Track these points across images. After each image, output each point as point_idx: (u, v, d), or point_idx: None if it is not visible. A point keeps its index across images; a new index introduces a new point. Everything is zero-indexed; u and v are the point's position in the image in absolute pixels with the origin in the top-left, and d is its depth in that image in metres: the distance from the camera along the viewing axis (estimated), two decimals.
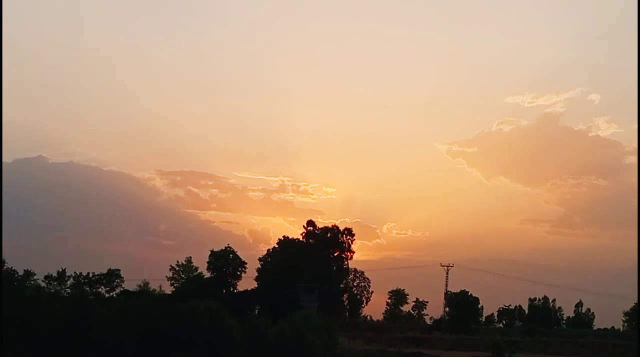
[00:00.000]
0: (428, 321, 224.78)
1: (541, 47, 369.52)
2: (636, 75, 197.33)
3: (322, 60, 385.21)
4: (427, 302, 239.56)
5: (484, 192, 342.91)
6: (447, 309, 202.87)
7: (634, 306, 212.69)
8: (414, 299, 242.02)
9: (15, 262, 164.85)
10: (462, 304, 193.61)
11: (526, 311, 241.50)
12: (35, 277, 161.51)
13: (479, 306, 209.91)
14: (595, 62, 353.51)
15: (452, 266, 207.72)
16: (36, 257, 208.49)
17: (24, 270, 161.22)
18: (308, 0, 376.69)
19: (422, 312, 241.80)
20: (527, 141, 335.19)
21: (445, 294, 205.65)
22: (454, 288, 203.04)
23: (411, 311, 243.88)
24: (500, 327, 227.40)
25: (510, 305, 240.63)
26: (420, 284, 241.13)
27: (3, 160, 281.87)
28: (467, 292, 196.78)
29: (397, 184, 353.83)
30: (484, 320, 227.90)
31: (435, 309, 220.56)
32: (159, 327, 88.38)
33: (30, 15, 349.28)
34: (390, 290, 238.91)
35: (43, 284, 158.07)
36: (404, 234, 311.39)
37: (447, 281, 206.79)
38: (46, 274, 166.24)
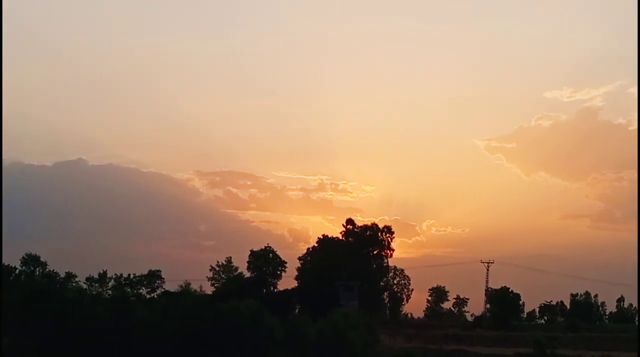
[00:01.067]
0: (469, 318, 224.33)
1: (579, 41, 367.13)
2: None
3: (360, 58, 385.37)
4: (468, 299, 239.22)
5: (524, 188, 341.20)
6: (488, 305, 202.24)
7: None
8: (455, 296, 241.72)
9: (57, 265, 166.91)
10: (503, 301, 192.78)
11: (568, 307, 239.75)
12: (76, 279, 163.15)
13: (520, 302, 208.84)
14: (634, 55, 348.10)
15: (492, 263, 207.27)
16: (77, 259, 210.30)
17: (65, 272, 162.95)
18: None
19: (463, 309, 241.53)
20: (567, 136, 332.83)
21: (486, 290, 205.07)
22: (495, 284, 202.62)
23: (452, 308, 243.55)
24: (542, 323, 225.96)
25: (551, 301, 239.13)
26: (461, 281, 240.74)
27: (44, 163, 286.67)
28: (508, 288, 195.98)
29: (436, 180, 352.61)
30: (525, 316, 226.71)
31: (476, 306, 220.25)
32: (200, 327, 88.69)
33: (69, 18, 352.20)
34: (430, 287, 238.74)
35: (85, 286, 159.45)
36: (444, 231, 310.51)
37: (487, 278, 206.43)
38: (87, 275, 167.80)
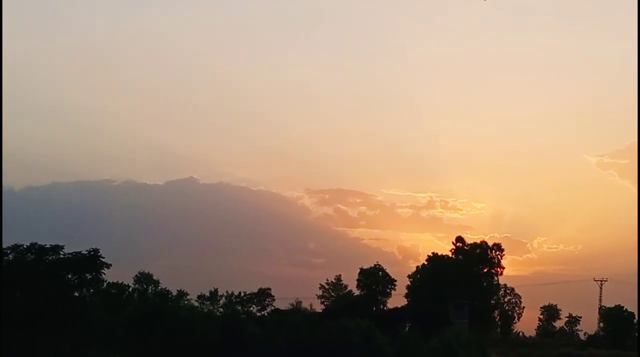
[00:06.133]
0: (582, 337, 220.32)
1: None
2: None
3: (468, 75, 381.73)
4: (581, 317, 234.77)
5: (637, 204, 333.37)
6: (601, 324, 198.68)
7: None
8: (567, 315, 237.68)
9: (169, 283, 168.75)
10: (617, 320, 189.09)
11: None
12: (188, 297, 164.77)
13: (635, 321, 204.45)
14: None
15: (605, 281, 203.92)
16: (189, 277, 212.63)
17: (177, 290, 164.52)
18: (452, 16, 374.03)
19: (575, 328, 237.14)
20: None
21: (600, 309, 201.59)
22: (609, 303, 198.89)
23: (564, 326, 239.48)
24: None
25: None
26: (573, 299, 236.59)
27: (156, 182, 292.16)
28: (622, 307, 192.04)
29: (547, 197, 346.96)
30: None
31: (589, 325, 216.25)
32: (310, 345, 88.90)
33: (180, 40, 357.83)
34: (542, 305, 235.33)
35: (196, 304, 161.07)
36: (555, 248, 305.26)
37: (600, 296, 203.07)
38: (199, 293, 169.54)
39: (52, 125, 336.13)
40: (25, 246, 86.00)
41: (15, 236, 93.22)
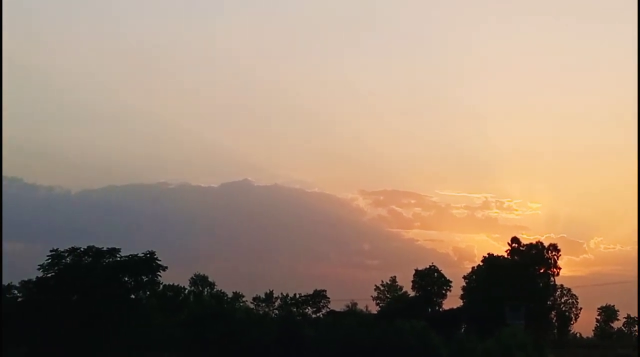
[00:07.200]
0: None
1: None
2: None
3: (524, 75, 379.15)
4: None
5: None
6: None
7: None
8: (625, 316, 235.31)
9: (224, 285, 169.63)
10: None
11: None
12: (244, 299, 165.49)
13: None
14: None
15: None
16: (244, 279, 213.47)
17: (233, 292, 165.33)
18: (508, 17, 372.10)
19: (634, 329, 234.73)
20: None
21: None
22: None
23: (622, 327, 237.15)
24: None
25: None
26: (631, 299, 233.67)
27: (210, 184, 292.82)
28: None
29: (604, 197, 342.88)
30: None
31: None
32: (365, 347, 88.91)
33: (233, 46, 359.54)
34: (599, 306, 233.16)
35: (252, 306, 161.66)
36: (613, 248, 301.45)
37: None
38: (254, 295, 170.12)
39: (107, 129, 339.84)
40: (82, 249, 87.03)
41: (72, 239, 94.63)
